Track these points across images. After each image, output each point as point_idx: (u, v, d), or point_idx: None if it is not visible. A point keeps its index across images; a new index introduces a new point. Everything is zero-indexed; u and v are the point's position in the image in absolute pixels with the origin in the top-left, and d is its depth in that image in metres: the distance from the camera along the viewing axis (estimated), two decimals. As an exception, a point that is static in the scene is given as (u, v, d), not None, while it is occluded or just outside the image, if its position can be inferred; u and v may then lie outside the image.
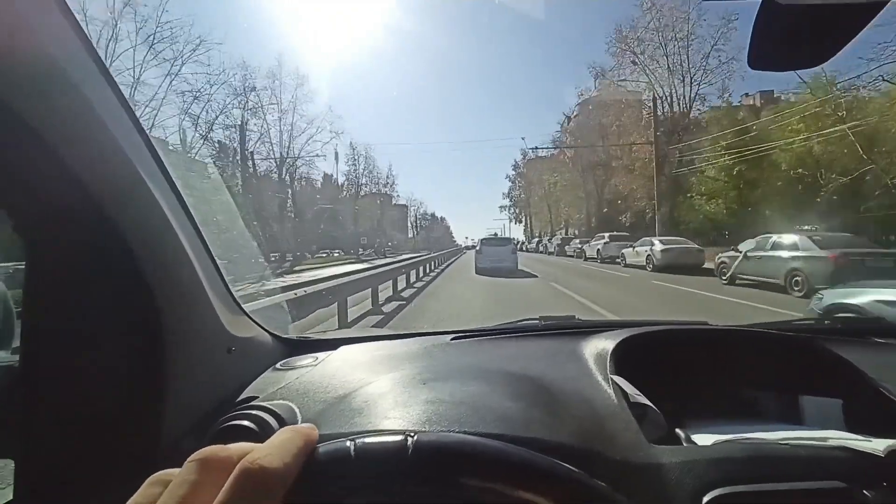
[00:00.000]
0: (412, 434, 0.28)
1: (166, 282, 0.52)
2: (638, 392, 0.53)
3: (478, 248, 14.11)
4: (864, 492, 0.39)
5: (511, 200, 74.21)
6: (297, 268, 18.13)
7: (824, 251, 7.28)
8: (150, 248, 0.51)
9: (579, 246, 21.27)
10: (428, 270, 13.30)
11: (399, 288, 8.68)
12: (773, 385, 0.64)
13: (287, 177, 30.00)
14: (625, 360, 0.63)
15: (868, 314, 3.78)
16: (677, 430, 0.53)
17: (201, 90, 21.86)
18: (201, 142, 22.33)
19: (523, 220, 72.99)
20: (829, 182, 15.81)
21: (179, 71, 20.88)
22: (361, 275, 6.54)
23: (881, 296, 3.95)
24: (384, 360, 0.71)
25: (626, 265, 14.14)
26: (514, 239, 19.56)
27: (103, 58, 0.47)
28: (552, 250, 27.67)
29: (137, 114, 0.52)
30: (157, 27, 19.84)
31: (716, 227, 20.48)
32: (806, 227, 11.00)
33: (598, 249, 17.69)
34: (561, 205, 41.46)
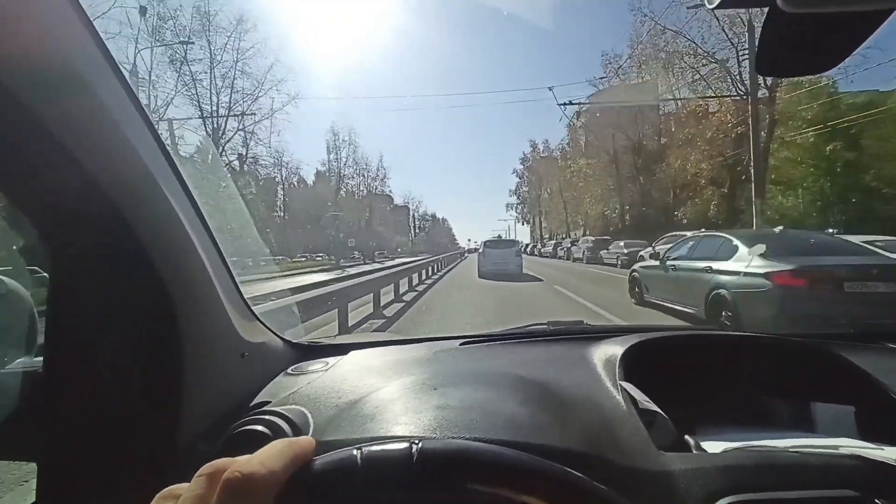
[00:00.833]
0: (417, 441, 0.29)
1: (183, 290, 0.53)
2: (647, 398, 0.53)
3: (481, 250, 13.92)
4: (877, 501, 0.39)
5: (518, 198, 68.94)
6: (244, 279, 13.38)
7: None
8: (167, 257, 0.51)
9: (633, 251, 14.13)
10: (423, 278, 12.61)
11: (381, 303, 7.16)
12: (784, 392, 0.63)
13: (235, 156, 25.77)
14: (634, 366, 0.62)
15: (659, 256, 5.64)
16: (686, 437, 0.52)
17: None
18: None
19: (531, 220, 67.73)
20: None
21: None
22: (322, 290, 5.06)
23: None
24: (394, 366, 0.71)
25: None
26: (519, 241, 18.37)
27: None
28: (579, 255, 20.72)
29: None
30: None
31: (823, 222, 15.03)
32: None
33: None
34: (586, 199, 34.70)
